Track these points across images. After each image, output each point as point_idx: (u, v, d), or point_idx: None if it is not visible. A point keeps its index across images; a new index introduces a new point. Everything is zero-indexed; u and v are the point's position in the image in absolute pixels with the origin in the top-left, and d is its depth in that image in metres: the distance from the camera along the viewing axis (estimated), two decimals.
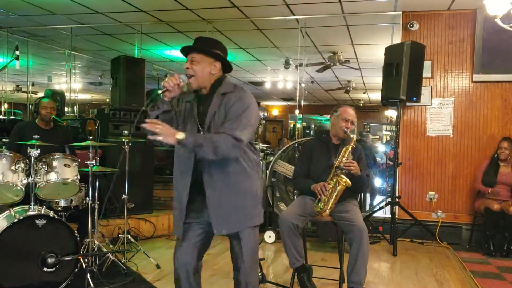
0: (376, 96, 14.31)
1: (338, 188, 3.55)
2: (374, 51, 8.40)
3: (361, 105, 16.71)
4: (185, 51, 2.64)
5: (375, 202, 8.45)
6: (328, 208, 3.57)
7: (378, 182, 9.71)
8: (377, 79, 8.11)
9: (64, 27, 7.83)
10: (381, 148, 12.60)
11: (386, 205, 6.05)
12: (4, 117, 9.93)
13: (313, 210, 3.69)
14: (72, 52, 8.92)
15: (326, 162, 3.78)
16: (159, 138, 2.32)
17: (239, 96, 2.58)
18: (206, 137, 2.43)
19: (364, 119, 17.71)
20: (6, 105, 10.37)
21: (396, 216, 5.87)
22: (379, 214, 6.25)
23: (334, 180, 3.57)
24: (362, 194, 6.53)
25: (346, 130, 3.79)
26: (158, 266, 4.59)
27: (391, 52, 5.93)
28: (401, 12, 6.35)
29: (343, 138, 3.83)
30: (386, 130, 16.67)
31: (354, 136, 3.95)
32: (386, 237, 5.99)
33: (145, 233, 5.95)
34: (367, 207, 7.82)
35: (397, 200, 5.89)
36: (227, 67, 2.73)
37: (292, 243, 3.65)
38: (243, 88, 2.66)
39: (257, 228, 2.72)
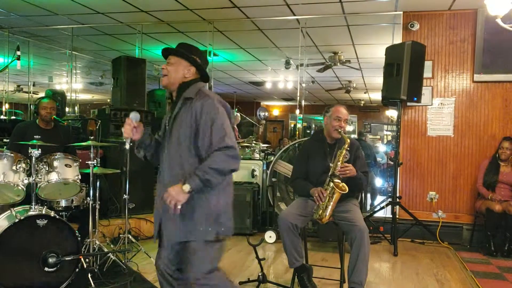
0: (377, 96, 14.30)
1: (335, 195, 3.54)
2: (375, 51, 8.39)
3: (362, 105, 16.70)
4: (166, 53, 2.73)
5: (376, 202, 8.44)
6: (327, 214, 3.55)
7: (379, 182, 9.70)
8: (378, 79, 8.11)
9: (65, 27, 7.84)
10: (382, 148, 12.58)
11: (387, 205, 6.05)
12: (5, 117, 9.95)
13: (313, 210, 3.69)
14: (73, 52, 8.92)
15: (322, 163, 3.77)
16: (178, 207, 2.44)
17: (205, 108, 2.52)
18: (204, 170, 2.43)
19: (365, 119, 17.71)
20: (7, 105, 10.38)
21: (397, 216, 5.86)
22: (380, 214, 6.24)
23: (330, 186, 3.56)
24: (363, 194, 6.52)
25: (339, 129, 3.76)
26: None
27: (392, 52, 5.92)
28: (401, 12, 6.35)
29: (337, 138, 3.81)
30: (387, 130, 16.65)
31: (352, 136, 3.93)
32: (387, 237, 5.98)
33: (146, 233, 5.95)
34: (368, 207, 7.82)
35: (398, 200, 5.88)
36: (204, 76, 2.75)
37: (292, 243, 3.65)
38: (208, 94, 2.60)
39: (210, 244, 2.60)
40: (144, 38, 8.03)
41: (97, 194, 4.34)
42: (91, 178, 4.18)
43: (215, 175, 2.45)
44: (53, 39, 8.67)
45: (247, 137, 9.60)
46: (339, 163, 3.60)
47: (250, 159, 7.35)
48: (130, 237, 4.80)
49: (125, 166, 4.69)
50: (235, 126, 10.36)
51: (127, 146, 2.62)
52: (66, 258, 3.61)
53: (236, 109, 12.46)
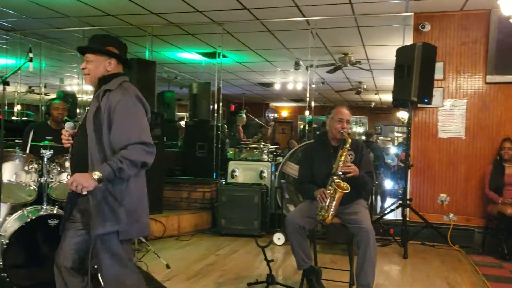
0: (387, 97, 14.22)
1: (337, 195, 3.52)
2: (386, 52, 8.35)
3: (372, 106, 16.63)
4: (80, 52, 2.69)
5: (386, 204, 8.41)
6: (330, 215, 3.54)
7: (389, 184, 9.66)
8: (389, 80, 8.06)
9: (76, 29, 7.90)
10: (392, 150, 12.53)
11: (397, 207, 6.02)
12: (16, 118, 10.05)
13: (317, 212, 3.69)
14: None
15: (327, 165, 3.73)
16: (84, 192, 2.35)
17: (122, 102, 2.49)
18: (118, 158, 2.39)
19: (375, 121, 17.64)
20: (19, 107, 10.50)
21: (407, 219, 5.82)
22: (390, 216, 6.21)
23: (333, 186, 3.54)
24: (373, 196, 6.49)
25: (342, 131, 3.74)
26: (168, 266, 4.61)
27: (403, 53, 5.90)
28: (412, 13, 6.32)
29: (341, 140, 3.79)
30: (397, 132, 16.58)
31: (362, 137, 3.91)
32: (396, 240, 5.95)
33: (155, 233, 5.98)
34: (378, 210, 7.79)
35: (408, 202, 5.84)
36: (125, 60, 2.77)
37: (299, 245, 3.64)
38: (127, 89, 2.58)
39: (112, 235, 2.50)
40: (154, 40, 8.06)
41: None
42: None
43: (129, 165, 2.40)
44: (64, 41, 8.74)
45: (253, 137, 9.63)
46: (340, 162, 3.59)
47: (258, 160, 7.37)
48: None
49: None
50: (240, 127, 10.39)
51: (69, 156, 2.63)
52: None
53: (245, 111, 12.49)
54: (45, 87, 11.89)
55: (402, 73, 5.77)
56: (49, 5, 6.60)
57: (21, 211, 3.82)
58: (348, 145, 3.65)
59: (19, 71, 7.27)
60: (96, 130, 2.47)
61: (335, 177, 3.55)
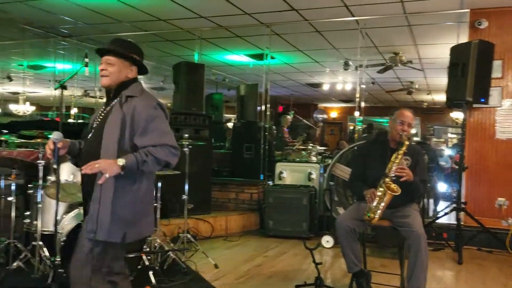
0: (440, 97, 13.81)
1: (386, 197, 3.45)
2: (439, 51, 8.13)
3: (424, 107, 16.19)
4: (104, 53, 2.65)
5: (439, 208, 8.15)
6: (377, 216, 3.47)
7: (442, 187, 9.36)
8: (442, 80, 7.84)
9: (129, 34, 8.14)
10: (446, 151, 12.15)
11: (451, 211, 5.82)
12: (73, 121, 10.47)
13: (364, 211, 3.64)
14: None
15: (381, 166, 3.65)
16: (106, 176, 2.32)
17: (148, 107, 2.53)
18: (144, 152, 2.40)
19: (428, 122, 17.15)
20: (75, 109, 10.92)
21: (462, 223, 5.62)
22: (443, 220, 6.02)
23: (383, 188, 3.47)
24: (426, 200, 6.31)
25: (402, 133, 3.67)
26: (216, 266, 4.67)
27: (457, 51, 5.71)
28: (468, 10, 6.10)
29: (399, 142, 3.70)
30: (451, 133, 16.07)
31: (414, 139, 3.81)
32: (450, 245, 5.75)
33: (204, 233, 6.06)
34: (431, 213, 7.56)
35: (462, 206, 5.64)
36: (142, 69, 2.79)
37: (350, 248, 3.60)
38: (152, 96, 2.64)
39: (105, 244, 2.48)
40: (203, 43, 8.19)
41: (158, 195, 4.46)
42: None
43: (153, 161, 2.40)
44: None
45: (297, 138, 9.57)
46: (395, 164, 3.52)
47: (306, 162, 7.32)
48: (189, 236, 4.91)
49: (185, 168, 4.80)
50: (285, 128, 10.36)
51: (55, 166, 2.57)
52: (129, 255, 3.74)
53: (292, 112, 12.45)
54: (99, 90, 12.31)
55: (456, 72, 5.59)
56: (103, 11, 6.85)
57: (77, 209, 3.98)
58: (404, 148, 3.58)
59: (75, 76, 7.57)
60: (121, 135, 2.48)
61: (386, 179, 3.49)
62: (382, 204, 3.46)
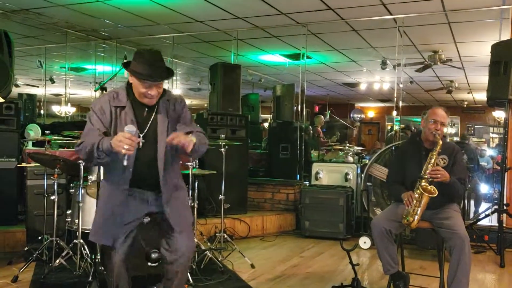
0: (481, 96, 13.43)
1: (423, 200, 3.38)
2: (479, 49, 7.91)
3: (465, 106, 15.80)
4: (164, 79, 2.74)
5: (480, 209, 7.93)
6: (415, 220, 3.40)
7: (484, 188, 9.10)
8: (483, 78, 7.62)
9: (167, 36, 8.29)
10: (488, 152, 11.81)
11: (492, 212, 5.66)
12: None
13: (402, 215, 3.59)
14: (173, 59, 9.39)
15: (417, 168, 3.58)
16: (189, 147, 2.54)
17: (183, 102, 2.87)
18: (197, 134, 2.70)
19: (468, 121, 16.71)
20: None
21: (504, 225, 5.45)
22: (484, 222, 5.85)
23: (420, 190, 3.40)
24: (466, 201, 6.15)
25: (435, 132, 3.58)
26: (252, 266, 4.69)
27: (499, 49, 5.54)
28: (510, 6, 5.91)
29: (433, 142, 3.62)
30: (493, 133, 15.60)
31: (454, 139, 3.72)
32: (492, 247, 5.59)
33: (240, 233, 6.10)
34: (471, 215, 7.37)
35: (505, 207, 5.47)
36: None
37: (386, 249, 3.54)
38: (179, 95, 2.92)
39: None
40: (239, 44, 8.24)
41: (195, 194, 4.52)
42: (190, 179, 4.36)
43: (205, 145, 2.77)
44: (155, 47, 9.15)
45: (332, 137, 9.48)
46: (429, 165, 3.45)
47: (343, 162, 7.26)
48: (225, 236, 4.95)
49: (221, 168, 4.84)
50: (319, 129, 10.30)
51: (125, 163, 2.51)
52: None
53: (329, 112, 12.36)
54: None
55: (498, 70, 5.43)
56: (142, 14, 6.99)
57: None
58: (438, 148, 3.50)
59: (115, 77, 7.75)
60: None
61: (422, 181, 3.42)
62: (420, 208, 3.40)
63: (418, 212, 3.40)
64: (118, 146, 2.43)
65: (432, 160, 3.47)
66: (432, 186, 3.39)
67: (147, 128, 2.72)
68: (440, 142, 3.52)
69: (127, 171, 2.65)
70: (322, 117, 11.01)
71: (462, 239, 3.32)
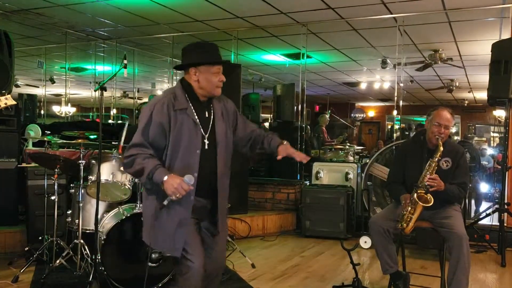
0: (482, 95, 13.43)
1: (417, 208, 3.38)
2: (480, 48, 7.90)
3: (465, 105, 15.77)
4: (220, 62, 2.64)
5: (481, 208, 7.92)
6: (409, 227, 3.40)
7: (484, 187, 9.09)
8: (483, 77, 7.61)
9: (167, 35, 8.28)
10: (488, 151, 11.80)
11: (493, 212, 5.65)
12: (112, 122, 10.72)
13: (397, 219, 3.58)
14: (173, 59, 9.39)
15: (419, 169, 3.56)
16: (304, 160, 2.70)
17: (229, 100, 2.80)
18: (261, 131, 2.79)
19: (469, 120, 16.70)
20: (114, 110, 11.17)
21: (505, 224, 5.45)
22: (485, 221, 5.83)
23: (415, 198, 3.39)
24: (467, 200, 6.15)
25: (438, 136, 3.52)
26: (253, 266, 4.69)
27: (499, 48, 5.53)
28: (510, 5, 5.90)
29: (436, 145, 3.56)
30: (493, 132, 15.58)
31: (455, 138, 3.70)
32: (493, 247, 5.58)
33: (241, 232, 6.10)
34: (472, 214, 7.36)
35: (506, 207, 5.46)
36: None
37: (384, 248, 3.54)
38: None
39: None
40: (239, 44, 8.23)
41: None
42: None
43: None
44: (155, 47, 9.19)
45: (337, 138, 9.46)
46: (428, 173, 3.43)
47: (343, 161, 7.26)
48: None
49: None
50: (323, 128, 10.29)
51: (165, 203, 2.46)
52: (168, 254, 3.79)
53: (329, 111, 12.36)
54: (138, 91, 12.58)
55: (498, 69, 5.42)
56: (142, 13, 6.99)
57: (117, 208, 4.07)
58: (438, 155, 3.46)
59: (115, 77, 7.75)
60: (230, 132, 2.73)
61: (419, 189, 3.41)
62: (414, 215, 3.39)
63: (412, 219, 3.40)
64: (171, 190, 2.37)
65: (431, 169, 3.45)
66: (428, 194, 3.38)
67: (209, 131, 2.62)
68: (441, 148, 3.47)
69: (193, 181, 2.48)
70: (327, 116, 11.00)
71: (460, 239, 3.31)
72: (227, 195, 2.76)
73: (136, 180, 4.04)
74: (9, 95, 2.95)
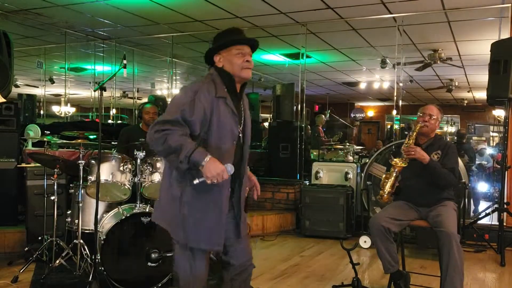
0: (481, 95, 13.43)
1: (395, 172, 3.57)
2: (479, 48, 7.90)
3: (465, 104, 15.77)
4: (249, 43, 2.61)
5: (480, 208, 7.94)
6: (386, 192, 3.57)
7: (483, 186, 9.10)
8: (483, 77, 7.62)
9: (166, 35, 8.28)
10: (488, 150, 11.80)
11: (493, 211, 5.65)
12: (112, 122, 10.72)
13: (410, 215, 3.58)
14: (173, 59, 9.39)
15: (413, 166, 3.62)
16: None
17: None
18: None
19: (468, 120, 16.70)
20: (114, 111, 11.16)
21: (504, 224, 5.45)
22: (485, 221, 5.84)
23: (391, 166, 3.59)
24: (466, 200, 6.14)
25: (422, 124, 3.68)
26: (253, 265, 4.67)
27: (499, 48, 5.53)
28: (509, 5, 5.91)
29: (428, 139, 3.75)
30: (493, 131, 15.59)
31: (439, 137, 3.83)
32: (492, 246, 5.58)
33: None
34: (471, 214, 7.37)
35: (505, 206, 5.47)
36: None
37: (385, 248, 3.54)
38: None
39: (182, 248, 2.50)
40: None
41: None
42: None
43: None
44: (155, 47, 9.19)
45: (334, 137, 9.46)
46: (405, 145, 3.59)
47: (343, 161, 7.26)
48: None
49: None
50: (320, 128, 10.29)
51: (195, 182, 2.32)
52: (168, 254, 3.80)
53: (329, 111, 12.36)
54: (137, 91, 12.58)
55: (498, 69, 5.42)
56: (141, 13, 6.99)
57: (116, 208, 4.07)
58: (417, 129, 3.65)
59: (114, 77, 7.75)
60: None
61: (396, 158, 3.61)
62: (391, 179, 3.57)
63: (389, 184, 3.58)
64: (211, 174, 2.24)
65: (410, 141, 3.60)
66: (399, 158, 3.58)
67: (242, 123, 2.56)
68: (419, 125, 3.66)
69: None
70: (323, 116, 11.00)
71: (448, 236, 3.31)
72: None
73: (136, 180, 4.03)
74: None
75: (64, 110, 11.54)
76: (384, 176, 3.67)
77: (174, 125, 2.31)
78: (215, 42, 2.57)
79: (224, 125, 2.43)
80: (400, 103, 7.30)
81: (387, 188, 3.58)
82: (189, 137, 2.33)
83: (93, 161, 4.12)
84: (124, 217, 3.80)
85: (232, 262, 2.63)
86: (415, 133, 3.64)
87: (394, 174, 3.58)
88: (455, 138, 11.88)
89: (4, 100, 3.04)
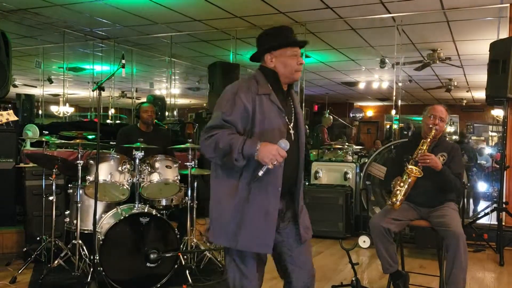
0: (480, 94, 13.42)
1: (409, 180, 3.44)
2: (478, 47, 7.90)
3: (464, 104, 15.78)
4: (303, 45, 2.61)
5: (479, 208, 7.94)
6: (398, 200, 3.45)
7: (482, 186, 9.10)
8: (482, 77, 7.63)
9: (165, 35, 8.27)
10: (487, 150, 11.81)
11: (492, 211, 5.65)
12: (111, 121, 10.71)
13: (410, 214, 3.57)
14: (172, 59, 9.38)
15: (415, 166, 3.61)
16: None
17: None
18: None
19: (467, 120, 16.70)
20: (113, 110, 11.16)
21: (503, 223, 5.45)
22: (484, 220, 5.84)
23: (406, 173, 3.46)
24: (465, 199, 6.15)
25: (432, 126, 3.59)
26: None
27: (497, 47, 5.53)
28: (508, 5, 5.91)
29: (434, 141, 3.65)
30: (492, 131, 15.61)
31: (453, 137, 3.77)
32: (491, 246, 5.58)
33: None
34: (470, 213, 7.37)
35: (504, 206, 5.47)
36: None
37: (385, 248, 3.54)
38: None
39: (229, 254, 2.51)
40: (238, 43, 8.23)
41: (194, 194, 4.51)
42: (189, 179, 4.35)
43: None
44: (153, 47, 9.18)
45: (338, 139, 9.45)
46: (420, 151, 3.50)
47: (342, 161, 7.25)
48: None
49: None
50: (325, 128, 10.29)
51: (260, 174, 2.22)
52: (166, 255, 3.80)
53: (328, 111, 12.35)
54: (136, 91, 12.56)
55: (496, 69, 5.43)
56: (140, 13, 6.98)
57: (115, 209, 4.06)
58: (431, 135, 3.55)
59: (113, 77, 7.74)
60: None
61: (409, 164, 3.49)
62: (405, 187, 3.45)
63: (402, 192, 3.45)
64: (268, 158, 2.14)
65: (424, 147, 3.52)
66: (416, 168, 3.44)
67: (293, 119, 2.47)
68: (433, 131, 3.56)
69: (279, 168, 2.30)
70: (331, 117, 11.01)
71: (456, 237, 3.31)
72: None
73: (134, 180, 4.03)
74: (11, 111, 2.94)
75: (63, 110, 11.54)
76: (394, 183, 3.52)
77: (220, 128, 2.28)
78: (267, 40, 2.53)
79: (269, 122, 2.34)
80: (399, 103, 7.30)
81: (401, 196, 3.45)
82: (237, 134, 2.28)
83: (91, 161, 4.11)
84: (122, 217, 3.79)
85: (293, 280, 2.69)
86: (429, 139, 3.54)
87: (409, 182, 3.45)
88: (456, 138, 11.90)
89: (16, 118, 3.01)
